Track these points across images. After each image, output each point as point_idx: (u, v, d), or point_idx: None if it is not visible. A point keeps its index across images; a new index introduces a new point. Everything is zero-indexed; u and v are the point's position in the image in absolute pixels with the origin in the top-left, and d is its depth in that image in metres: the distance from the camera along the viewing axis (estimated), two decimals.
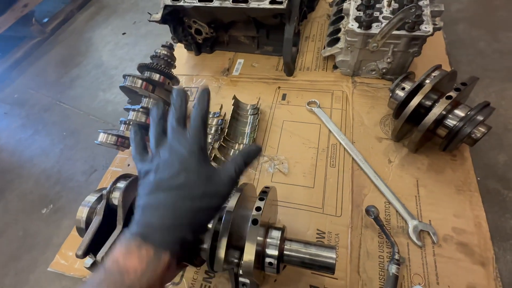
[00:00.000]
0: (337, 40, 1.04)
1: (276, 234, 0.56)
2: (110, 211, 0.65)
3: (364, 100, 0.98)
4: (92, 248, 0.61)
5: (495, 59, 1.00)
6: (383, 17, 0.89)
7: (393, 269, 0.64)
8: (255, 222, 0.50)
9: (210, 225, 0.60)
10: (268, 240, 0.56)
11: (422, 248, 0.68)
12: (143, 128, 0.94)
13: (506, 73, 0.95)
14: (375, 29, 0.86)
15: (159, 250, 0.35)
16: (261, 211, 0.51)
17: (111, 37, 1.68)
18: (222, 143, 0.90)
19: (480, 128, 0.70)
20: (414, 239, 0.69)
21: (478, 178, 0.76)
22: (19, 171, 1.14)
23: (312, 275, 0.67)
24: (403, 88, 0.82)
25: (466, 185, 0.75)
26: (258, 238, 0.52)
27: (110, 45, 1.63)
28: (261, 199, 0.54)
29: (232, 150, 0.92)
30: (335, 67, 1.08)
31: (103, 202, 0.65)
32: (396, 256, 0.65)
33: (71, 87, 1.44)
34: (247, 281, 0.55)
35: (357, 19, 0.90)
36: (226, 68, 1.23)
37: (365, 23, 0.86)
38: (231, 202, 0.55)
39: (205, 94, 0.45)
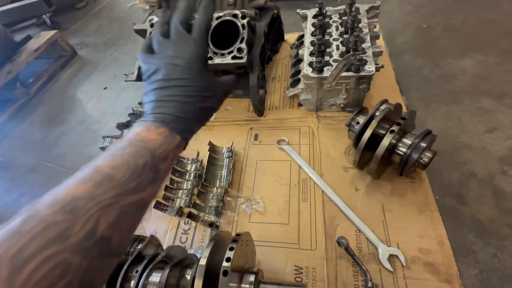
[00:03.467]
0: (299, 81, 1.15)
1: (250, 279, 0.60)
2: None
3: (329, 133, 1.06)
4: None
5: (439, 84, 1.12)
6: (333, 60, 1.00)
7: None
8: (225, 273, 0.54)
9: (189, 276, 0.64)
10: (242, 285, 0.59)
11: (393, 273, 0.72)
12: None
13: (450, 96, 1.06)
14: (326, 72, 0.96)
15: (173, 132, 0.43)
16: (230, 262, 0.55)
17: (94, 92, 1.78)
18: (200, 189, 0.95)
19: (426, 154, 0.78)
20: (385, 264, 0.73)
21: (437, 197, 0.83)
22: None
23: None
24: (358, 122, 0.91)
25: (426, 205, 0.81)
26: (232, 285, 0.56)
27: (93, 100, 1.72)
28: (231, 248, 0.58)
29: (211, 194, 0.97)
30: (299, 104, 1.18)
31: None
32: (369, 284, 0.69)
33: (56, 145, 1.49)
34: None
35: (310, 64, 1.01)
36: None
37: (317, 68, 0.97)
38: (205, 252, 0.60)
39: (210, 4, 0.49)
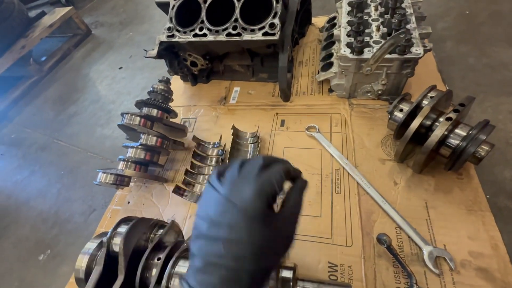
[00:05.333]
0: (331, 64, 1.06)
1: (287, 274, 0.54)
2: (111, 260, 0.62)
3: (363, 122, 0.98)
4: None
5: (486, 73, 1.02)
6: (374, 42, 0.91)
7: None
8: None
9: None
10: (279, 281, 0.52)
11: (441, 276, 0.65)
12: (142, 164, 0.93)
13: (499, 87, 0.96)
14: (367, 54, 0.87)
15: None
16: None
17: (108, 72, 1.72)
18: None
19: (483, 147, 0.69)
20: (431, 266, 0.65)
21: (488, 196, 0.74)
22: (15, 215, 1.11)
23: None
24: (401, 110, 0.83)
25: (476, 205, 0.73)
26: (271, 281, 0.50)
27: (107, 80, 1.66)
28: None
29: None
30: (330, 90, 1.09)
31: (103, 250, 0.62)
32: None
33: (69, 124, 1.44)
34: None
35: (348, 45, 0.92)
36: (223, 97, 1.24)
37: (357, 49, 0.88)
38: None
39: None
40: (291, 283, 0.52)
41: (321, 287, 0.52)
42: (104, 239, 0.63)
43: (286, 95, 1.11)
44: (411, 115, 0.79)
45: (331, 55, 1.09)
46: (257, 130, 1.02)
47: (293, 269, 0.55)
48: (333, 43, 1.13)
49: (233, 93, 1.25)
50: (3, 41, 1.71)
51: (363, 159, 0.88)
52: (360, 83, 0.99)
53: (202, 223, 0.36)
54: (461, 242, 0.68)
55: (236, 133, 1.00)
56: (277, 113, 1.10)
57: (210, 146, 1.03)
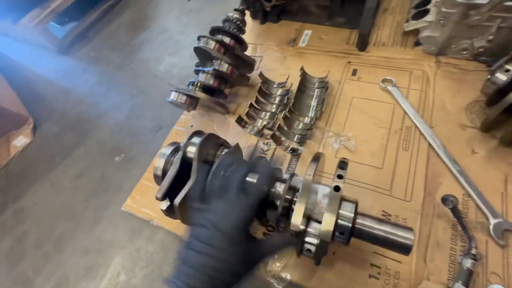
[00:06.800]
0: (425, 12, 0.93)
1: (349, 206, 0.55)
2: (184, 163, 0.69)
3: (449, 83, 0.88)
4: (169, 193, 0.67)
5: None
6: None
7: (468, 263, 0.59)
8: (337, 189, 0.49)
9: (280, 189, 0.62)
10: (341, 211, 0.55)
11: (505, 248, 0.62)
12: (210, 90, 0.97)
13: None
14: None
15: None
16: (343, 179, 0.50)
17: (177, 2, 1.72)
18: (287, 114, 0.89)
19: None
20: (496, 237, 0.62)
21: None
22: (96, 121, 1.28)
23: (373, 254, 0.66)
24: (507, 71, 0.71)
25: None
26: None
27: (176, 10, 1.67)
28: (342, 168, 0.53)
29: (297, 122, 0.91)
30: (417, 43, 0.97)
31: (180, 154, 0.70)
32: (473, 251, 0.60)
33: (141, 50, 1.53)
34: (313, 247, 0.56)
35: None
36: (292, 39, 1.19)
37: None
38: (309, 170, 0.55)
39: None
40: (352, 215, 0.54)
41: (381, 225, 0.53)
42: (182, 144, 0.71)
43: (364, 43, 1.02)
44: None
45: (427, 1, 0.95)
46: (326, 75, 0.97)
47: (355, 203, 0.56)
48: None
49: (303, 36, 1.18)
50: None
51: (441, 121, 0.81)
52: (458, 37, 0.86)
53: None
54: None
55: (304, 75, 0.98)
56: (349, 62, 1.03)
57: (276, 85, 1.02)
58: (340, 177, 0.51)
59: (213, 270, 0.42)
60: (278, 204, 0.59)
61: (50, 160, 1.21)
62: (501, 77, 0.72)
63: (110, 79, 1.45)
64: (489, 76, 0.74)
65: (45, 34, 1.70)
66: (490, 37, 0.80)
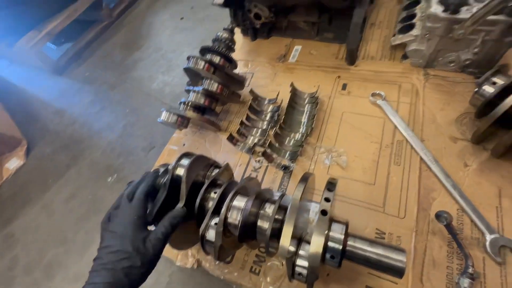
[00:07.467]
0: (411, 26, 0.94)
1: (339, 228, 0.54)
2: (173, 186, 0.68)
3: (438, 96, 0.88)
4: (159, 216, 0.65)
5: None
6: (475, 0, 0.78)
7: (465, 283, 0.58)
8: (324, 213, 0.48)
9: (270, 210, 0.60)
10: (331, 233, 0.53)
11: (502, 266, 0.60)
12: (201, 109, 0.97)
13: None
14: (464, 13, 0.75)
15: None
16: (330, 203, 0.49)
17: (170, 22, 1.76)
18: (277, 131, 0.89)
19: None
20: (493, 254, 0.61)
21: None
22: (89, 141, 1.28)
23: (368, 275, 0.64)
24: (494, 83, 0.72)
25: None
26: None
27: (169, 29, 1.71)
28: (329, 190, 0.52)
29: (288, 138, 0.91)
30: (404, 57, 0.98)
31: (168, 177, 0.69)
32: (470, 270, 0.59)
33: (134, 69, 1.55)
34: (304, 271, 0.54)
35: (442, 1, 0.79)
36: (282, 55, 1.20)
37: (453, 6, 0.76)
38: (296, 193, 0.54)
39: (152, 176, 0.63)
40: (342, 237, 0.53)
41: (373, 246, 0.52)
42: (170, 167, 0.70)
43: (352, 57, 1.03)
44: (505, 92, 0.69)
45: (413, 16, 0.96)
46: (316, 91, 0.98)
47: (346, 224, 0.55)
48: (417, 2, 0.99)
49: (293, 51, 1.20)
50: None
51: (432, 135, 0.81)
52: (444, 50, 0.87)
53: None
54: None
55: (294, 91, 0.98)
56: (339, 76, 1.03)
57: (266, 102, 1.03)
58: (327, 200, 0.49)
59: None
60: (267, 226, 0.57)
61: (43, 182, 1.20)
62: (489, 89, 0.72)
63: (104, 98, 1.46)
64: (476, 89, 0.75)
65: (40, 56, 1.72)
66: (476, 50, 0.81)
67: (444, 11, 0.77)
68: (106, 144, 1.23)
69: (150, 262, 0.52)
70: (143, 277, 0.51)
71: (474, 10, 0.73)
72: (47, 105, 1.59)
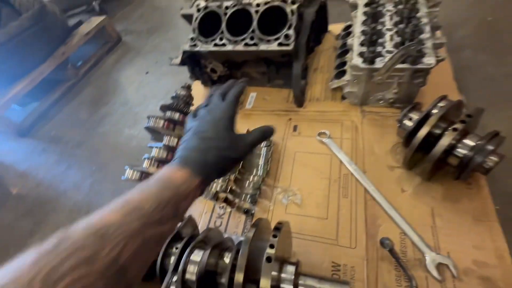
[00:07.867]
0: (344, 72, 1.10)
1: (290, 269, 0.59)
2: None
3: (374, 129, 1.00)
4: None
5: (505, 84, 1.00)
6: (387, 51, 0.94)
7: None
8: (269, 260, 0.53)
9: (227, 259, 0.64)
10: (282, 275, 0.58)
11: (442, 283, 0.67)
12: (164, 163, 1.02)
13: None
14: (378, 63, 0.90)
15: (193, 174, 0.48)
16: (274, 249, 0.54)
17: (136, 76, 1.86)
18: (237, 176, 0.95)
19: (492, 158, 0.70)
20: (433, 272, 0.67)
21: (497, 207, 0.74)
22: (54, 203, 1.25)
23: None
24: (411, 119, 0.85)
25: (484, 215, 0.74)
26: (273, 273, 0.55)
27: (135, 84, 1.80)
28: (274, 236, 0.57)
29: (247, 181, 0.97)
30: (343, 97, 1.12)
31: None
32: None
33: (101, 125, 1.59)
34: None
35: (361, 54, 0.95)
36: (240, 102, 1.31)
37: (369, 59, 0.91)
38: (247, 237, 0.59)
39: (242, 85, 0.64)
40: (293, 277, 0.57)
41: (322, 283, 0.57)
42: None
43: (299, 101, 1.15)
44: (421, 124, 0.81)
45: (344, 63, 1.13)
46: None
47: (296, 264, 0.60)
48: (347, 51, 1.16)
49: (249, 98, 1.31)
50: (48, 48, 1.90)
51: (372, 166, 0.91)
52: (372, 91, 1.02)
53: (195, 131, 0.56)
54: (465, 251, 0.70)
55: None
56: (290, 119, 1.15)
57: None
58: (272, 246, 0.55)
59: (203, 146, 0.52)
60: (225, 276, 0.60)
61: (4, 252, 1.14)
62: (408, 123, 0.85)
63: (70, 156, 1.46)
64: (399, 124, 0.87)
65: (3, 121, 1.72)
66: (395, 91, 0.95)
67: (363, 62, 0.93)
68: (72, 205, 1.21)
69: (237, 159, 0.56)
70: (228, 166, 0.55)
71: (386, 60, 0.89)
72: (10, 168, 1.56)
